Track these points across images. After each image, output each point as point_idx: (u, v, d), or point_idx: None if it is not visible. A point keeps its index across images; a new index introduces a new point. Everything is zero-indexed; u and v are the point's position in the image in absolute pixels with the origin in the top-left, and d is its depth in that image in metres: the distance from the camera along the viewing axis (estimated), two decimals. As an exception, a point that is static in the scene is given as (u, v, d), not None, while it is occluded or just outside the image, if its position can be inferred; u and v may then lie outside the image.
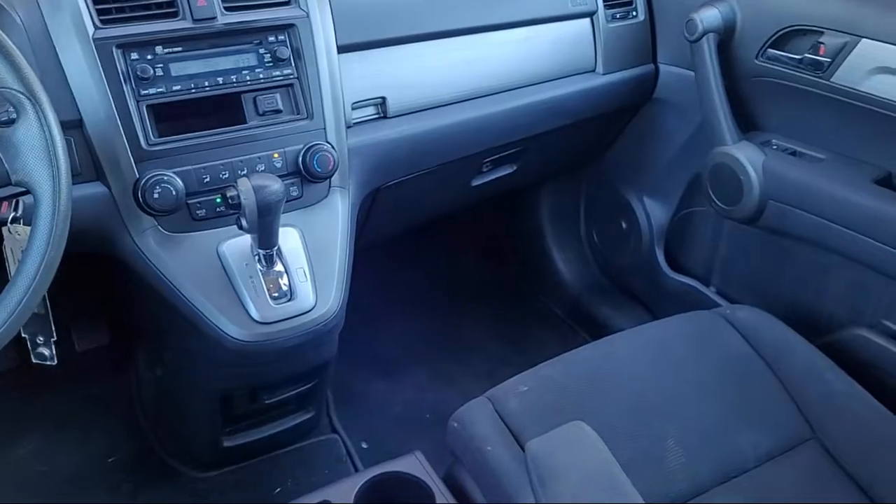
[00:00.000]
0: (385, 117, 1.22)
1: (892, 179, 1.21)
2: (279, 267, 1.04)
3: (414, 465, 1.01)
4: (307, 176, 1.09)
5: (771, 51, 1.30)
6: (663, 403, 1.09)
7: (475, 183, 1.50)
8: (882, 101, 1.15)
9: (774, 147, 1.35)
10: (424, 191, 1.42)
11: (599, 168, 1.78)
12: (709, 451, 1.04)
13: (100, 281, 1.44)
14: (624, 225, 1.75)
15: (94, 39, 0.96)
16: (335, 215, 1.12)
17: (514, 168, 1.54)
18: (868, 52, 1.16)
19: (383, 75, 1.21)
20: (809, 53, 1.24)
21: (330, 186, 1.13)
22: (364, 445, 1.49)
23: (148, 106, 1.00)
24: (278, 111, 1.09)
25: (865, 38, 1.16)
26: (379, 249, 1.87)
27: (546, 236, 1.93)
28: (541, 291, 1.98)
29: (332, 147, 1.10)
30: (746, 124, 1.40)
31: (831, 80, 1.21)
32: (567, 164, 1.79)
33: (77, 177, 0.96)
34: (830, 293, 1.34)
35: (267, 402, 1.24)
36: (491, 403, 1.05)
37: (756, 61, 1.33)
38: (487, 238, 2.13)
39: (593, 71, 1.47)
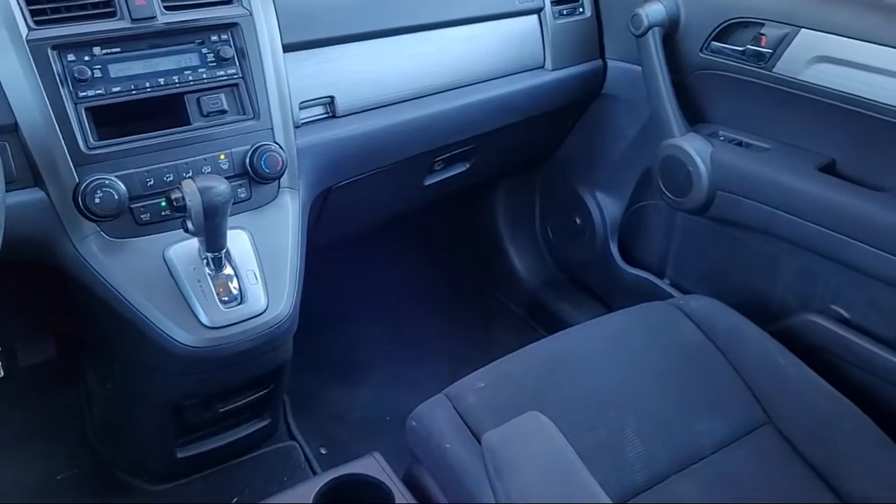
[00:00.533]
0: (334, 117, 1.21)
1: (835, 166, 1.24)
2: (228, 270, 1.01)
3: (372, 466, 0.99)
4: (255, 177, 1.07)
5: (714, 43, 1.32)
6: (620, 394, 1.10)
7: (428, 182, 1.50)
8: (822, 90, 1.17)
9: (721, 138, 1.36)
10: (376, 190, 1.41)
11: (552, 165, 1.79)
12: (666, 439, 1.05)
13: (44, 291, 1.40)
14: (578, 221, 1.76)
15: (28, 41, 0.93)
16: (285, 216, 1.10)
17: (467, 166, 1.54)
18: (807, 42, 1.18)
19: (331, 74, 1.20)
20: (752, 45, 1.26)
21: (279, 187, 1.11)
22: (323, 451, 1.47)
23: (87, 108, 0.97)
24: (223, 112, 1.07)
25: (804, 28, 1.18)
26: (334, 251, 1.85)
27: (502, 234, 1.93)
28: (498, 290, 1.98)
29: (280, 147, 1.08)
30: (694, 117, 1.41)
31: (773, 70, 1.23)
32: (520, 161, 1.79)
33: (13, 183, 0.93)
34: (780, 281, 1.36)
35: (221, 410, 1.22)
36: (449, 401, 1.05)
37: (700, 54, 1.34)
38: (444, 238, 2.12)
39: (542, 67, 1.47)
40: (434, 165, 1.46)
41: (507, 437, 0.73)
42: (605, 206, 1.69)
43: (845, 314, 1.27)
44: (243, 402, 1.23)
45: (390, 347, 1.78)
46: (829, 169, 1.23)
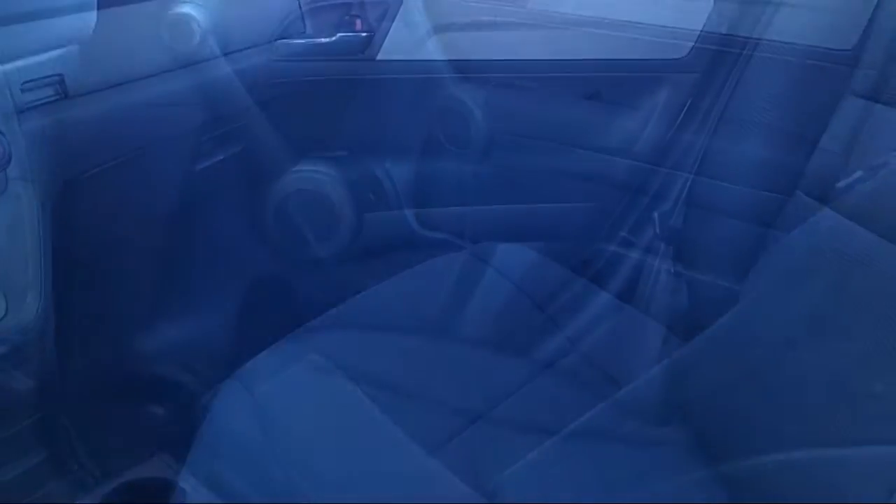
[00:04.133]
0: (66, 97, 1.07)
1: (601, 96, 1.27)
2: (-50, 277, 0.87)
3: (157, 467, 0.88)
4: (-28, 170, 0.92)
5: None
6: (428, 346, 1.07)
7: (202, 166, 1.38)
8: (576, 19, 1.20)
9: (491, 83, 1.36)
10: (141, 178, 1.26)
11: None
12: (478, 382, 1.03)
13: None
14: (371, 196, 1.71)
15: None
16: (19, 211, 0.96)
17: (241, 146, 1.44)
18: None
19: (59, 50, 1.06)
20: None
21: (7, 179, 0.97)
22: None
23: None
24: (-79, 97, 0.91)
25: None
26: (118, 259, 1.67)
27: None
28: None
29: (1, 133, 0.94)
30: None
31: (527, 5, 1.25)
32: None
33: None
34: (573, 217, 1.39)
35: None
36: (238, 381, 0.96)
37: None
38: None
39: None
40: (201, 146, 1.35)
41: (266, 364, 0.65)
42: (396, 176, 1.65)
43: (632, 238, 1.31)
44: (6, 434, 1.06)
45: (188, 360, 1.63)
46: (596, 97, 1.27)
